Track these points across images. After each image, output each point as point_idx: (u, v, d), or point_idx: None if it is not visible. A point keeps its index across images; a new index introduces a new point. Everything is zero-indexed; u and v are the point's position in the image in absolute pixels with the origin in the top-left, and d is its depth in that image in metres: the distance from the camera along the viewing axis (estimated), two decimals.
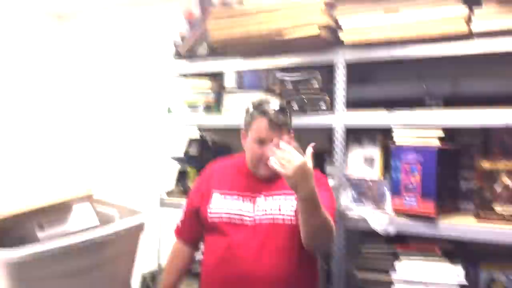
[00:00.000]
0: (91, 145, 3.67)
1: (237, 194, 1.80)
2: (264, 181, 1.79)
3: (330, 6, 2.13)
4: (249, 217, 1.75)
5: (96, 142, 3.66)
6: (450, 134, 2.00)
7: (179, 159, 2.79)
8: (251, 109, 1.80)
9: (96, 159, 3.61)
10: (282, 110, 1.77)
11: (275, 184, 1.77)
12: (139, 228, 1.37)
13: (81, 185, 1.51)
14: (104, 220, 1.45)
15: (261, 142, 1.74)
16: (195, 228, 1.88)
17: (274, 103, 1.78)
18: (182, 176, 2.76)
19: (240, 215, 1.76)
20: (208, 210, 1.79)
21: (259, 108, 1.77)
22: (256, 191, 1.79)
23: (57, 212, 1.35)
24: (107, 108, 3.62)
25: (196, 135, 3.00)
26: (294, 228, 1.67)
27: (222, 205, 1.78)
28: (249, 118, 1.79)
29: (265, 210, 1.74)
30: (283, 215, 1.72)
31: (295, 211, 1.67)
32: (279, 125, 1.73)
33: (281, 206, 1.74)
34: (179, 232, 1.96)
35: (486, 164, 1.90)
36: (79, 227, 1.39)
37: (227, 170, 1.90)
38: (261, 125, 1.74)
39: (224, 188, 1.82)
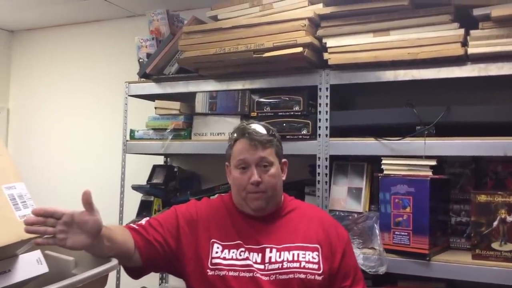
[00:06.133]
0: (42, 172, 3.34)
1: (241, 245, 1.51)
2: (266, 221, 1.55)
3: (314, 24, 1.98)
4: (261, 270, 1.46)
5: (49, 168, 3.34)
6: (439, 162, 1.86)
7: (141, 188, 2.54)
8: (232, 136, 1.59)
9: (47, 189, 3.27)
10: (266, 129, 1.58)
11: (280, 229, 1.55)
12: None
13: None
14: (56, 267, 1.20)
15: (244, 166, 1.52)
16: (153, 249, 1.48)
17: (256, 125, 1.59)
18: (146, 206, 2.51)
19: (249, 265, 1.46)
20: (208, 262, 1.48)
21: (238, 131, 1.57)
22: (263, 240, 1.51)
23: None
24: (62, 131, 3.33)
25: (161, 161, 2.78)
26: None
27: (226, 256, 1.49)
28: (230, 146, 1.59)
29: (281, 263, 1.48)
30: (304, 268, 1.47)
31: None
32: (261, 142, 1.52)
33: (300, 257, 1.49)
34: (134, 230, 1.49)
35: (482, 197, 1.76)
36: (24, 276, 1.14)
37: (219, 215, 1.59)
38: (241, 146, 1.53)
39: (224, 238, 1.52)
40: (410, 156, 1.84)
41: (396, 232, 1.82)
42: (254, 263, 1.47)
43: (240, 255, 1.48)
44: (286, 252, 1.49)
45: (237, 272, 1.45)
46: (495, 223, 1.72)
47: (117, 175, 2.50)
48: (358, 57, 1.91)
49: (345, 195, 2.00)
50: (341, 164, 2.05)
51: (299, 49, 1.91)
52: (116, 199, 2.49)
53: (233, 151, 1.56)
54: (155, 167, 2.62)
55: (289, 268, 1.46)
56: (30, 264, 1.17)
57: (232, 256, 1.48)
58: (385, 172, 1.88)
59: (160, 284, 2.68)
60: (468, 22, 1.77)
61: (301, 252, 1.49)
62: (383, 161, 1.89)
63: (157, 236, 1.49)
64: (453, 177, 1.97)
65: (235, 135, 1.57)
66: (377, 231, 1.86)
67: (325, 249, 1.51)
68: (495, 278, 1.68)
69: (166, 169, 2.60)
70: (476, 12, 1.74)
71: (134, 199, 2.53)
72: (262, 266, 1.47)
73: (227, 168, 1.63)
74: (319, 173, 1.98)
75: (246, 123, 1.62)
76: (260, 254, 1.49)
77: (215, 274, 1.46)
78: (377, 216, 1.89)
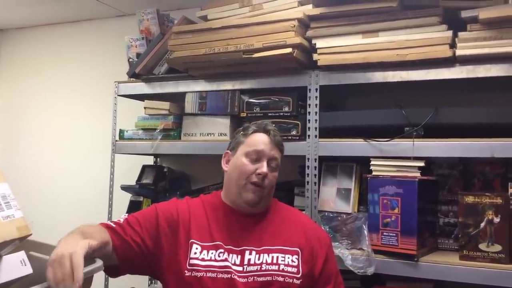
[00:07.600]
0: (31, 171, 3.32)
1: (220, 246, 1.49)
2: (250, 220, 1.55)
3: (304, 25, 1.98)
4: (239, 272, 1.45)
5: (38, 168, 3.32)
6: (427, 163, 1.86)
7: (130, 188, 2.53)
8: (249, 127, 1.61)
9: (36, 188, 3.25)
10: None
11: (261, 230, 1.54)
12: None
13: (14, 222, 1.22)
14: (40, 268, 1.19)
15: (256, 157, 1.53)
16: (130, 250, 1.46)
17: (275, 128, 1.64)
18: (135, 207, 2.50)
19: (228, 267, 1.45)
20: (186, 263, 1.46)
21: (260, 125, 1.60)
22: (244, 242, 1.51)
23: None
24: (51, 130, 3.31)
25: (151, 161, 2.77)
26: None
27: (204, 257, 1.47)
28: (244, 135, 1.59)
29: (260, 266, 1.47)
30: (283, 271, 1.47)
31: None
32: (278, 144, 1.58)
33: (279, 260, 1.48)
34: (111, 229, 1.46)
35: (469, 198, 1.77)
36: (8, 277, 1.13)
37: (200, 215, 1.57)
38: (261, 139, 1.56)
39: (204, 239, 1.51)
40: (398, 157, 1.84)
41: (385, 233, 1.82)
42: (232, 264, 1.46)
43: (219, 256, 1.47)
44: (266, 255, 1.48)
45: (215, 274, 1.44)
46: (483, 224, 1.73)
47: (106, 175, 2.48)
48: (347, 58, 1.91)
49: (334, 196, 2.00)
50: (330, 165, 2.05)
51: (289, 50, 1.91)
52: (105, 199, 2.48)
53: (248, 140, 1.57)
54: (144, 167, 2.61)
55: (268, 270, 1.46)
56: (14, 265, 1.16)
57: (211, 257, 1.46)
58: (373, 173, 1.88)
59: (149, 285, 2.67)
60: (456, 24, 1.77)
61: (280, 255, 1.49)
62: (372, 162, 1.89)
63: (135, 236, 1.47)
64: (441, 178, 1.97)
65: (255, 127, 1.60)
66: (366, 232, 1.86)
67: (305, 253, 1.51)
68: (482, 279, 1.68)
69: (155, 170, 2.60)
70: (464, 14, 1.75)
71: (123, 200, 2.52)
72: (240, 268, 1.46)
73: (226, 156, 1.63)
74: (308, 174, 1.98)
75: (264, 122, 1.65)
76: (239, 256, 1.48)
77: (192, 275, 1.44)
78: (366, 217, 1.89)
